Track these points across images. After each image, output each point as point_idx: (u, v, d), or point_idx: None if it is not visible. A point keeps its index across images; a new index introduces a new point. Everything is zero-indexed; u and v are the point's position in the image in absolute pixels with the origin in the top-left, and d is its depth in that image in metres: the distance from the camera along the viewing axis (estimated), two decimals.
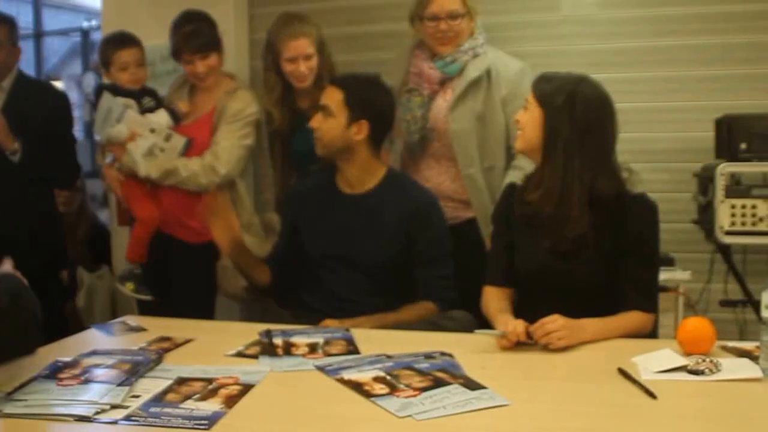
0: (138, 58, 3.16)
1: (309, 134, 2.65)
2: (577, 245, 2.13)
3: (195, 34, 3.01)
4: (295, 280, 2.69)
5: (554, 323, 1.96)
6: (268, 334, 2.16)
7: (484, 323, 2.20)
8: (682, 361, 1.81)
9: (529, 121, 2.19)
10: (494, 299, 2.28)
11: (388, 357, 1.91)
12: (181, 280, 3.12)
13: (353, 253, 2.56)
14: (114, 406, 1.61)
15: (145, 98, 3.09)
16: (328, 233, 2.61)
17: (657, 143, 3.46)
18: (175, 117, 3.08)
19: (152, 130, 2.99)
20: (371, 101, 2.55)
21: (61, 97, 3.68)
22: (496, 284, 2.31)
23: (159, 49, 3.57)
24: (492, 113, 2.92)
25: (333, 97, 2.54)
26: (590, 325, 2.03)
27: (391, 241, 2.54)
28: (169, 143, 3.00)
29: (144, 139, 2.98)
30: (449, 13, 2.90)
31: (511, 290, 2.31)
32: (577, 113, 2.12)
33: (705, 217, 3.12)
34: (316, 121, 2.57)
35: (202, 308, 3.04)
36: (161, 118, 3.04)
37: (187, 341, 2.15)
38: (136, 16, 3.82)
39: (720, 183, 2.97)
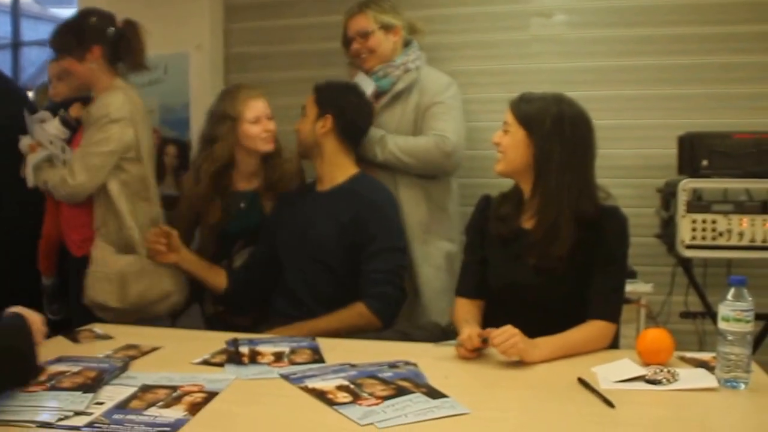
0: (58, 71, 3.10)
1: (244, 216, 2.84)
2: (561, 262, 2.13)
3: (52, 37, 2.81)
4: (269, 286, 2.70)
5: (512, 331, 1.94)
6: (235, 342, 2.14)
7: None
8: (640, 371, 1.81)
9: (511, 144, 2.19)
10: (462, 310, 2.27)
11: (353, 366, 1.90)
12: (72, 293, 2.88)
13: (307, 245, 2.63)
14: (77, 413, 1.59)
15: (62, 110, 2.92)
16: (293, 229, 2.68)
17: (622, 159, 3.49)
18: (69, 125, 2.86)
19: (51, 142, 2.80)
20: (335, 98, 2.71)
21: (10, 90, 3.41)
22: (466, 296, 2.32)
23: None
24: (420, 122, 2.96)
25: (309, 99, 2.73)
26: (545, 343, 1.99)
27: (342, 233, 2.58)
28: (65, 154, 2.78)
29: (42, 150, 2.80)
30: (358, 32, 3.01)
31: (481, 301, 2.30)
32: (567, 134, 2.12)
33: (667, 231, 3.14)
34: (297, 124, 2.74)
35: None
36: (53, 128, 2.83)
37: (154, 349, 2.12)
38: None
39: (682, 198, 2.99)
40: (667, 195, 3.17)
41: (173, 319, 2.93)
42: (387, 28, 3.02)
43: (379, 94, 2.99)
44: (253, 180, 2.93)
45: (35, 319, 1.81)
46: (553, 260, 2.13)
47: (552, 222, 2.13)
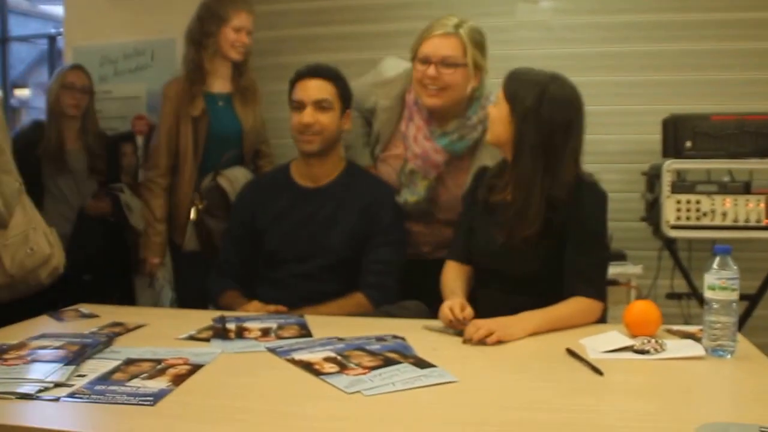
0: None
1: (224, 117, 2.74)
2: (527, 244, 2.10)
3: None
4: (249, 279, 2.62)
5: (480, 326, 1.89)
6: (222, 319, 2.10)
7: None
8: (628, 341, 1.78)
9: (496, 117, 2.16)
10: (451, 276, 2.25)
11: (340, 339, 1.86)
12: None
13: (317, 246, 2.51)
14: (58, 384, 1.54)
15: None
16: (291, 228, 2.54)
17: (607, 145, 3.48)
18: None
19: None
20: (350, 92, 2.58)
21: None
22: (456, 259, 2.30)
23: (121, 47, 3.52)
24: None
25: (329, 91, 2.50)
26: (530, 318, 1.96)
27: (353, 231, 2.50)
28: None
29: None
30: (442, 59, 2.41)
31: (469, 267, 2.28)
32: (544, 116, 2.06)
33: (652, 213, 3.13)
34: (312, 116, 2.46)
35: None
36: None
37: (139, 326, 2.08)
38: (97, 15, 3.75)
39: (666, 179, 2.98)
40: (652, 177, 3.15)
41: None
42: (476, 67, 2.45)
43: (450, 160, 2.54)
44: (226, 84, 3.07)
45: None
46: (518, 240, 2.10)
47: (521, 203, 2.09)
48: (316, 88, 2.48)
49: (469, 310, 1.99)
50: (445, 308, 2.01)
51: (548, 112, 2.06)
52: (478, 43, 2.45)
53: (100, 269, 3.38)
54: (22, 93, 8.95)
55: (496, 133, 2.18)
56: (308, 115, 2.45)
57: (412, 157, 2.54)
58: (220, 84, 3.06)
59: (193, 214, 2.94)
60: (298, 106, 2.46)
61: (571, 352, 1.73)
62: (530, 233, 2.08)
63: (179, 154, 3.03)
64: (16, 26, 8.34)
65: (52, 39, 7.72)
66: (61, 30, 7.53)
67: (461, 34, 2.42)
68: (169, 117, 3.03)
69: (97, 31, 3.71)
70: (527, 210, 2.08)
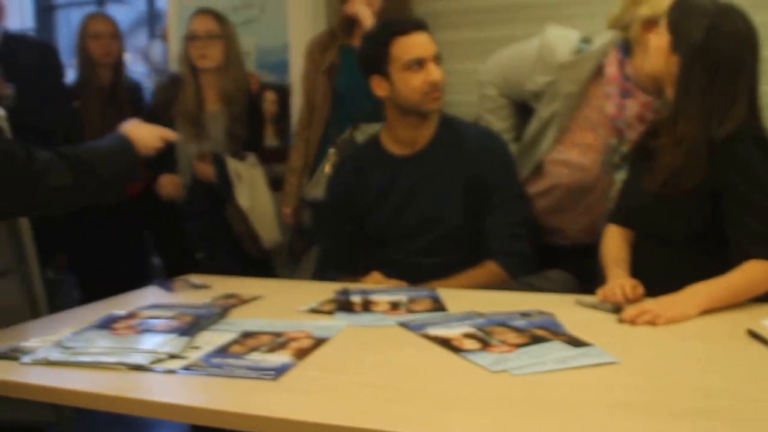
0: None
1: (354, 74, 2.64)
2: (687, 198, 2.01)
3: None
4: (356, 265, 2.60)
5: (644, 310, 1.80)
6: (345, 292, 2.10)
7: (586, 283, 2.10)
8: None
9: (657, 47, 2.08)
10: (613, 242, 2.18)
11: (479, 314, 1.83)
12: None
13: (429, 218, 2.48)
14: (172, 356, 1.58)
15: None
16: (397, 204, 2.52)
17: None
18: None
19: None
20: None
21: (51, 50, 3.76)
22: (618, 222, 2.22)
23: (229, 0, 3.59)
24: None
25: (434, 42, 2.47)
26: (701, 292, 1.85)
27: (466, 193, 2.46)
28: None
29: None
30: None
31: (633, 232, 2.19)
32: (712, 51, 1.97)
33: None
34: (438, 71, 2.43)
35: None
36: None
37: (255, 298, 2.10)
38: None
39: None
40: None
41: None
42: None
43: None
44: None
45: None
46: (675, 191, 2.01)
47: (682, 149, 1.99)
48: (428, 42, 2.44)
49: (640, 290, 1.93)
50: (615, 288, 1.94)
51: (716, 47, 1.97)
52: None
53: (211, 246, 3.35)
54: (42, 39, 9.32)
55: (654, 65, 2.10)
56: (436, 71, 2.41)
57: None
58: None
59: (327, 168, 2.95)
60: (418, 63, 2.42)
61: (753, 334, 1.63)
62: (693, 184, 1.99)
63: (314, 107, 3.09)
64: None
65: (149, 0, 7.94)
66: None
67: None
68: (311, 70, 3.12)
69: None
70: (688, 157, 1.99)
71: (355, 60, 2.59)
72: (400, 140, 2.53)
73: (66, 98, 3.66)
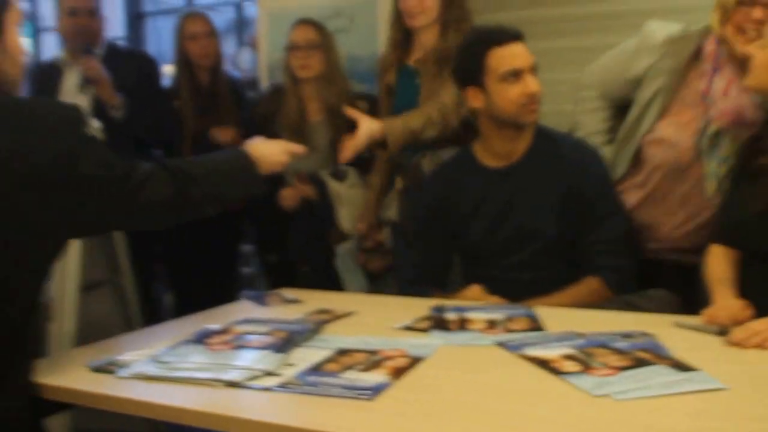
0: None
1: (410, 91, 2.68)
2: None
3: None
4: (446, 280, 2.62)
5: (756, 331, 1.76)
6: (440, 309, 2.12)
7: (689, 303, 2.08)
8: None
9: (763, 61, 2.06)
10: (717, 262, 2.14)
11: (579, 335, 1.82)
12: None
13: (527, 232, 2.47)
14: (268, 373, 1.61)
15: None
16: (494, 217, 2.51)
17: None
18: None
19: None
20: None
21: (151, 62, 3.85)
22: (720, 241, 2.18)
23: (319, 9, 3.65)
24: None
25: (532, 57, 2.46)
26: None
27: (563, 206, 2.44)
28: None
29: None
30: None
31: (738, 252, 2.15)
32: None
33: None
34: (536, 84, 2.42)
35: None
36: None
37: (348, 314, 2.13)
38: None
39: None
40: None
41: None
42: None
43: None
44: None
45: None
46: None
47: None
48: (525, 52, 2.43)
49: (749, 311, 1.89)
50: (722, 308, 1.91)
51: None
52: None
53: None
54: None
55: (761, 79, 2.07)
56: (533, 83, 2.41)
57: (719, 115, 2.39)
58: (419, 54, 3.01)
59: (397, 192, 2.98)
60: (515, 75, 2.42)
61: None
62: None
63: None
64: None
65: (238, 7, 8.11)
66: None
67: None
68: (381, 84, 3.13)
69: None
70: None
71: (411, 79, 2.63)
72: (496, 153, 2.53)
73: (166, 102, 3.72)
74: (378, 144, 2.70)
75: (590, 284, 2.37)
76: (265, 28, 4.13)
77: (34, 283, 1.70)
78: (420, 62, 2.93)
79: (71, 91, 3.49)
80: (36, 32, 8.57)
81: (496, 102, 2.41)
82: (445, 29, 2.88)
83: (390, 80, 3.05)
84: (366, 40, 3.73)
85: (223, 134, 3.62)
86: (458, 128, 2.80)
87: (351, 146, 2.60)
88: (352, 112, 2.64)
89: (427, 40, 2.91)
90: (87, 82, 3.43)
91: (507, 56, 2.40)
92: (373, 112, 3.48)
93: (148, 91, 3.63)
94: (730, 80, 2.36)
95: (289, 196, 3.33)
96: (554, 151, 2.50)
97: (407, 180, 2.96)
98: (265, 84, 4.11)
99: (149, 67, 3.80)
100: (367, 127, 2.62)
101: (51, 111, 1.70)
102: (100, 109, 3.37)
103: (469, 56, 2.46)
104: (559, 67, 3.10)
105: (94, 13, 3.67)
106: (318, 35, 3.33)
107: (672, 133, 2.46)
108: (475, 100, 2.45)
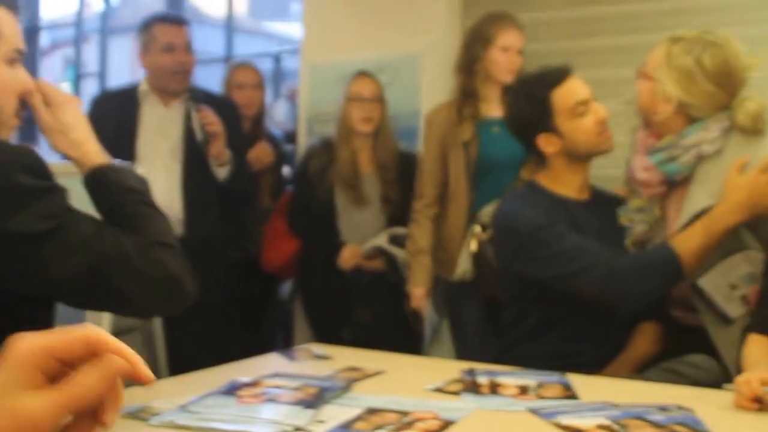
0: None
1: (500, 142, 2.78)
2: None
3: None
4: None
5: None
6: (472, 372, 2.11)
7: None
8: None
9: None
10: (754, 349, 2.08)
11: (614, 405, 1.81)
12: None
13: None
14: (298, 429, 1.61)
15: None
16: None
17: None
18: None
19: None
20: None
21: (236, 108, 3.69)
22: (757, 331, 2.10)
23: (362, 63, 3.69)
24: None
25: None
26: None
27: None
28: None
29: None
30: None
31: None
32: None
33: None
34: (604, 109, 2.48)
35: None
36: None
37: (378, 373, 2.13)
38: (337, 31, 3.95)
39: None
40: None
41: None
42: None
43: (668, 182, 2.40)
44: (498, 108, 3.10)
45: None
46: None
47: None
48: (583, 83, 2.50)
49: None
50: (741, 381, 1.89)
51: None
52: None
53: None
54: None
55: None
56: (602, 108, 2.48)
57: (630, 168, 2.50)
58: (493, 108, 3.15)
59: (473, 245, 2.98)
60: (584, 105, 2.45)
61: None
62: None
63: (449, 183, 3.16)
64: (241, 45, 9.01)
65: (276, 58, 8.26)
66: (285, 48, 8.04)
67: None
68: (434, 145, 3.19)
69: (337, 47, 3.90)
70: None
71: (495, 130, 2.67)
72: (573, 187, 2.54)
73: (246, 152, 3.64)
74: None
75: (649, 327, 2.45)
76: (307, 81, 4.19)
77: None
78: None
79: (151, 127, 3.42)
80: (78, 77, 8.76)
81: (573, 138, 2.44)
82: None
83: (469, 134, 3.13)
84: (408, 96, 3.79)
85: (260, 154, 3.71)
86: None
87: None
88: None
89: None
90: (206, 136, 3.27)
91: (570, 91, 2.46)
92: (409, 168, 3.52)
93: (236, 142, 3.45)
94: (642, 139, 2.43)
95: (349, 256, 3.42)
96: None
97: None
98: (302, 136, 4.16)
99: (235, 114, 3.61)
100: None
101: None
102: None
103: (533, 104, 2.48)
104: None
105: (190, 48, 3.48)
106: (380, 88, 3.44)
107: None
108: (549, 145, 2.47)
